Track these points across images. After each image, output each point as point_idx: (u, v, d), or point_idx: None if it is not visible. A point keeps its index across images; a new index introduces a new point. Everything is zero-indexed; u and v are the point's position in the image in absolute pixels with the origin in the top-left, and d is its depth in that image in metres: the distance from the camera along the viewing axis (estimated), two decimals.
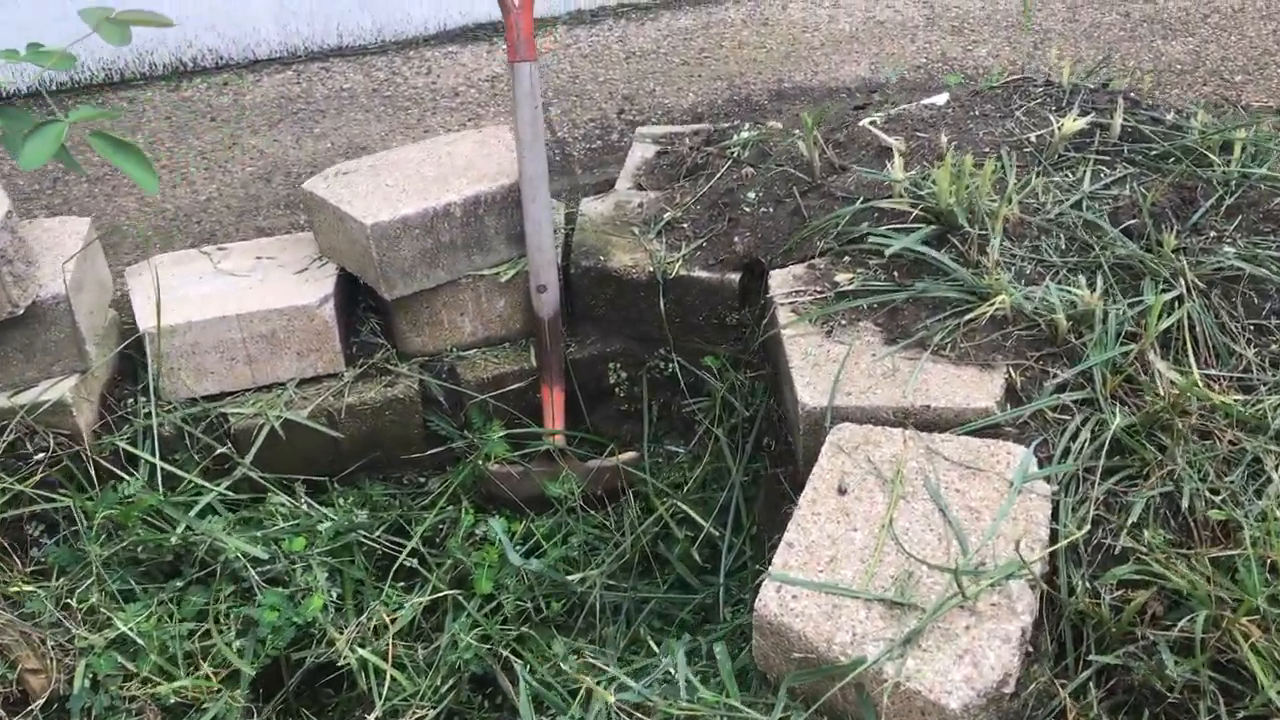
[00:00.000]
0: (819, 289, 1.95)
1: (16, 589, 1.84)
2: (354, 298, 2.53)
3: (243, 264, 2.50)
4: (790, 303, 1.93)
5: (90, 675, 1.73)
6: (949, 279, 1.82)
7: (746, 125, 2.71)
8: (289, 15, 4.02)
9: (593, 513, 2.36)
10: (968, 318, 1.78)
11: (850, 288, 1.91)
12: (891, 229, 1.98)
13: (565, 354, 2.45)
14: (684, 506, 2.25)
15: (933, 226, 1.90)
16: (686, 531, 2.25)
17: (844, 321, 1.87)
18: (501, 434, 2.42)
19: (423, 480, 2.54)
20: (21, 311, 2.06)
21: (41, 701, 1.67)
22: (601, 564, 2.21)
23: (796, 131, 2.58)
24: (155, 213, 3.14)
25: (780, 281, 2.00)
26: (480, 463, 2.39)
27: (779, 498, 2.06)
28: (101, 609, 1.83)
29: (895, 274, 1.91)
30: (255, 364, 2.36)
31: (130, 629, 1.79)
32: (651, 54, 3.84)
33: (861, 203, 2.10)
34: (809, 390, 1.74)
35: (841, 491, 1.58)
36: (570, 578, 2.17)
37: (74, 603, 1.83)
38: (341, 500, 2.39)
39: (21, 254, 2.05)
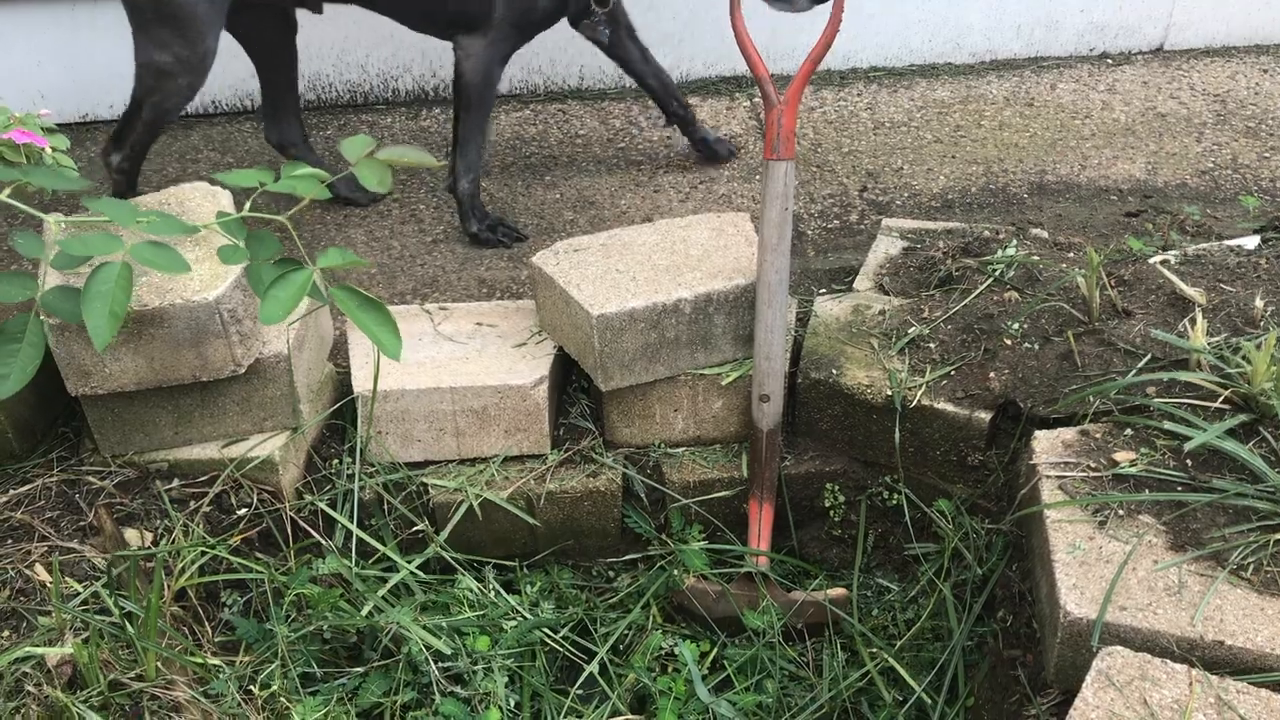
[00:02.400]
0: (1092, 464, 1.70)
1: (201, 661, 1.81)
2: (568, 377, 2.43)
3: (462, 328, 2.44)
4: (1058, 476, 1.68)
5: None
6: (1259, 485, 1.54)
7: (1008, 236, 2.45)
8: (531, 53, 4.00)
9: (790, 648, 2.17)
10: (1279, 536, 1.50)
11: (1131, 471, 1.65)
12: (1185, 404, 1.70)
13: (780, 468, 2.27)
14: (895, 664, 2.02)
15: (1241, 415, 1.62)
16: (895, 694, 2.02)
17: (1121, 512, 1.61)
18: (701, 545, 2.26)
19: (612, 575, 2.41)
20: (243, 370, 2.04)
21: None
22: (797, 714, 2.01)
23: (1071, 255, 2.31)
24: (382, 249, 3.14)
25: (1046, 447, 1.75)
26: (676, 573, 2.24)
27: (1009, 682, 1.81)
28: (281, 697, 1.78)
29: (1188, 463, 1.64)
30: (462, 437, 2.29)
31: None
32: (902, 126, 3.61)
33: (1149, 364, 1.82)
34: (1075, 595, 1.50)
35: None
36: None
37: (256, 689, 1.78)
38: (528, 587, 2.29)
39: (250, 311, 2.03)
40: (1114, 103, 3.66)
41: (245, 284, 2.03)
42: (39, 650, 1.71)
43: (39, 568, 1.95)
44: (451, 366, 2.29)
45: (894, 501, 2.22)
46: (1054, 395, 1.94)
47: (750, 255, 2.27)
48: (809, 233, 3.07)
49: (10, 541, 1.99)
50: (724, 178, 3.41)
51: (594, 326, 2.13)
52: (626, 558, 2.38)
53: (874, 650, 2.10)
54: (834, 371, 2.19)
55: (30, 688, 1.70)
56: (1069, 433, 1.78)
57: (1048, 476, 1.70)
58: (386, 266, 3.05)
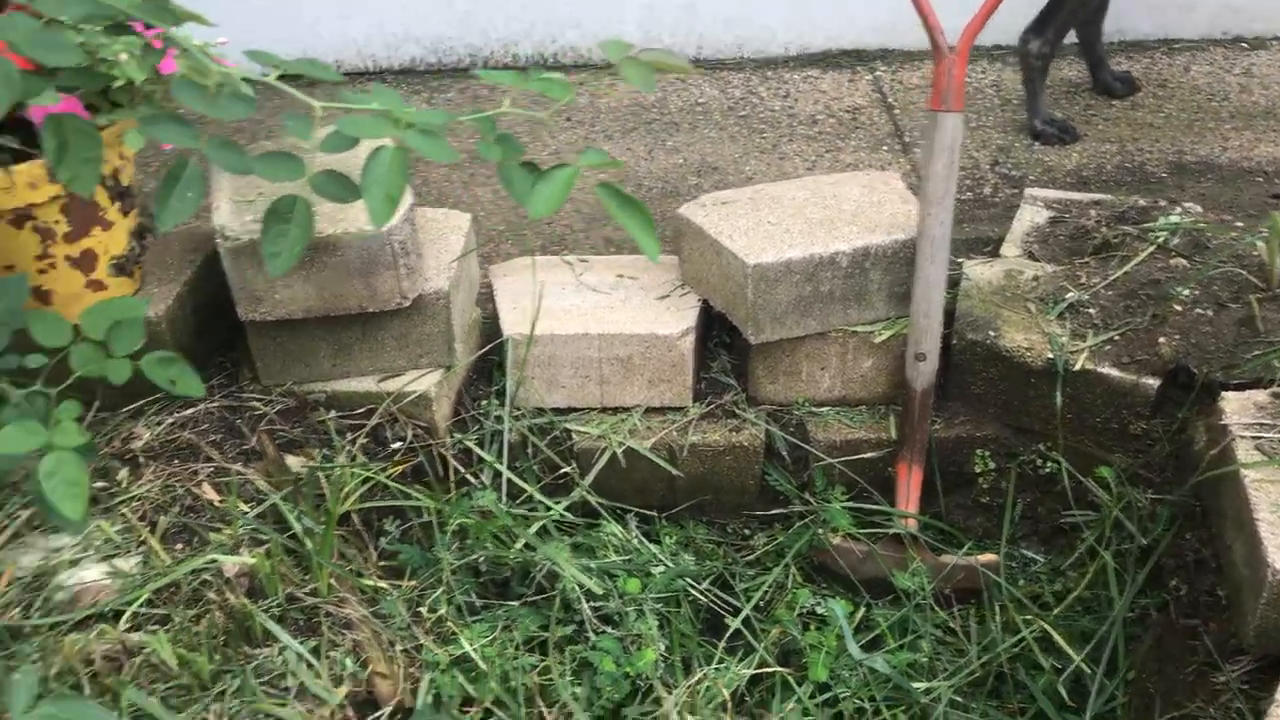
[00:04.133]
0: None
1: (371, 584, 1.83)
2: (709, 332, 2.42)
3: (604, 280, 2.44)
4: (1254, 438, 1.64)
5: (434, 692, 1.68)
6: None
7: (1169, 206, 2.40)
8: (653, 21, 3.99)
9: (940, 612, 2.14)
10: None
11: None
12: None
13: (930, 431, 2.24)
14: (1053, 632, 1.99)
15: None
16: (1053, 662, 1.99)
17: None
18: (846, 504, 2.25)
19: (748, 533, 2.40)
20: (408, 304, 2.06)
21: (389, 710, 1.64)
22: (951, 676, 1.99)
23: (1239, 225, 2.25)
24: (509, 207, 3.15)
25: (1237, 408, 1.71)
26: (820, 532, 2.22)
27: (1183, 652, 1.78)
28: (448, 622, 1.79)
29: None
30: (606, 385, 2.29)
31: (474, 650, 1.73)
32: None
33: None
34: None
35: None
36: (916, 685, 1.96)
37: (424, 610, 1.80)
38: (667, 538, 2.28)
39: (414, 247, 2.05)
40: (1251, 86, 3.57)
41: (411, 218, 2.05)
42: (222, 558, 1.73)
43: (206, 487, 1.98)
44: (597, 315, 2.29)
45: (1046, 469, 2.18)
46: (1233, 361, 1.90)
47: (905, 212, 2.24)
48: None
49: (177, 461, 2.02)
50: (850, 147, 3.38)
51: (748, 276, 2.12)
52: (766, 515, 2.36)
53: (1027, 618, 2.06)
54: (991, 333, 2.16)
55: (211, 594, 1.73)
56: (1260, 394, 1.74)
57: (1241, 437, 1.66)
58: (514, 224, 3.06)
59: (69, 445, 1.17)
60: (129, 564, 1.79)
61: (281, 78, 1.47)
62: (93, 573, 1.76)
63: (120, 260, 1.99)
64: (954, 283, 2.38)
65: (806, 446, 2.30)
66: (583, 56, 4.05)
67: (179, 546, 1.85)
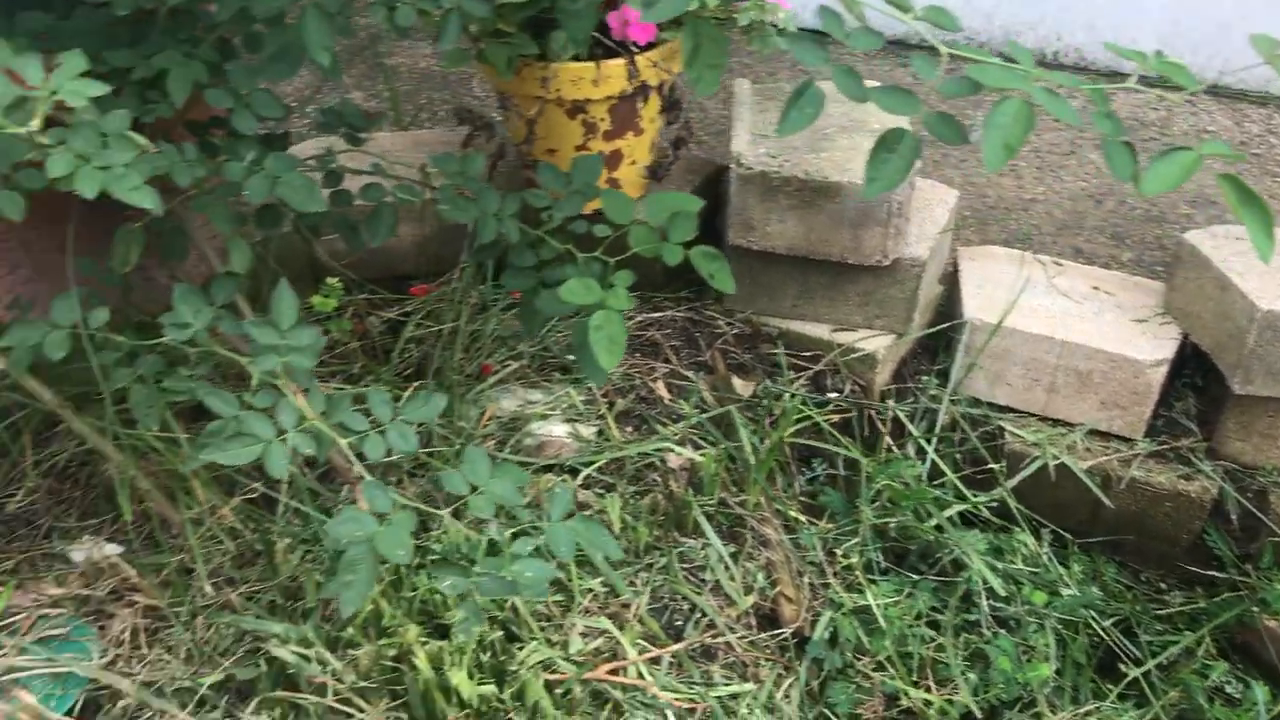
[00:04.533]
0: None
1: (792, 514, 1.92)
2: (1180, 369, 2.27)
3: (1077, 288, 2.35)
4: None
5: (831, 630, 1.75)
6: None
7: None
8: (1177, 37, 3.73)
9: None
10: None
11: None
12: None
13: None
14: None
15: None
16: None
17: None
18: None
19: (1163, 587, 2.25)
20: (887, 263, 2.11)
21: (788, 630, 1.73)
22: None
23: None
24: (976, 195, 3.10)
25: None
26: (1254, 610, 2.05)
27: None
28: (857, 572, 1.85)
29: None
30: (1054, 394, 2.22)
31: (878, 606, 1.78)
32: None
33: None
34: None
35: None
36: None
37: (839, 552, 1.86)
38: (1074, 565, 2.20)
39: (907, 210, 2.09)
40: None
41: (911, 180, 2.08)
42: (672, 448, 1.90)
43: (660, 384, 2.16)
44: (1065, 321, 2.22)
45: None
46: None
47: None
48: None
49: (640, 355, 2.22)
50: None
51: (1254, 320, 1.96)
52: (1189, 572, 2.20)
53: None
54: None
55: (654, 478, 1.90)
56: None
57: None
58: (980, 214, 3.01)
59: (617, 307, 1.33)
60: (587, 431, 2.00)
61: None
62: (558, 430, 1.99)
63: (652, 166, 2.19)
64: None
65: (1263, 517, 2.11)
66: (1085, 60, 3.87)
67: (630, 429, 2.04)
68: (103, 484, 1.80)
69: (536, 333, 1.62)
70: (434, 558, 1.51)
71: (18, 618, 1.59)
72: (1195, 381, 2.26)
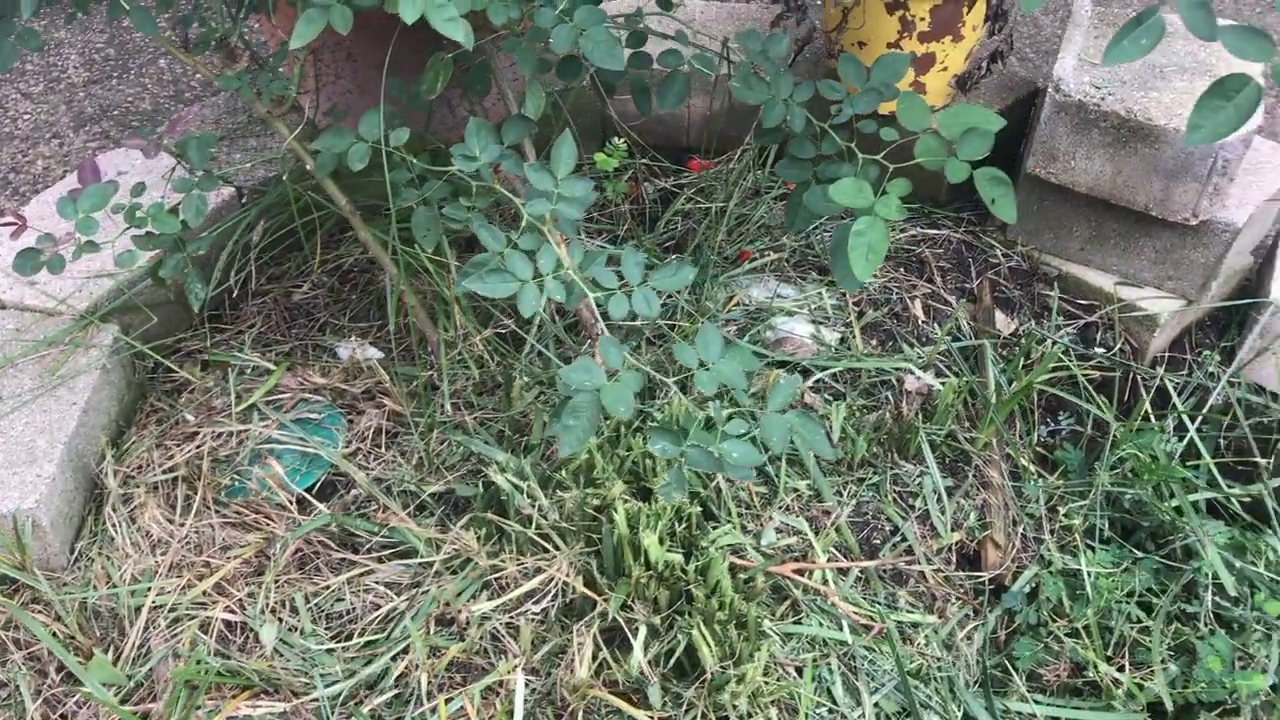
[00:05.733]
0: None
1: (1024, 464, 1.85)
2: None
3: None
4: None
5: (1033, 585, 1.70)
6: None
7: None
8: None
9: None
10: None
11: None
12: None
13: None
14: None
15: None
16: None
17: None
18: None
19: None
20: (1195, 222, 1.94)
21: (988, 575, 1.69)
22: None
23: None
24: None
25: None
26: None
27: None
28: (1075, 534, 1.77)
29: None
30: None
31: (1089, 573, 1.70)
32: None
33: None
34: None
35: None
36: None
37: (1061, 511, 1.79)
38: None
39: (1235, 169, 1.90)
40: None
41: (1249, 139, 1.89)
42: (912, 369, 1.86)
43: (918, 304, 2.10)
44: None
45: None
46: None
47: None
48: None
49: (904, 271, 2.16)
50: None
51: None
52: None
53: None
54: None
55: (885, 396, 1.88)
56: None
57: None
58: None
59: (887, 215, 1.31)
60: (830, 335, 1.99)
61: None
62: (801, 328, 1.99)
63: (962, 77, 2.09)
64: None
65: None
66: None
67: (874, 343, 2.02)
68: (378, 293, 1.97)
69: (801, 228, 1.61)
70: (653, 424, 1.57)
71: (283, 396, 1.79)
72: None
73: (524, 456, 1.61)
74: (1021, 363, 1.97)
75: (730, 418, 1.17)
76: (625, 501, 1.46)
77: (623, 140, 2.16)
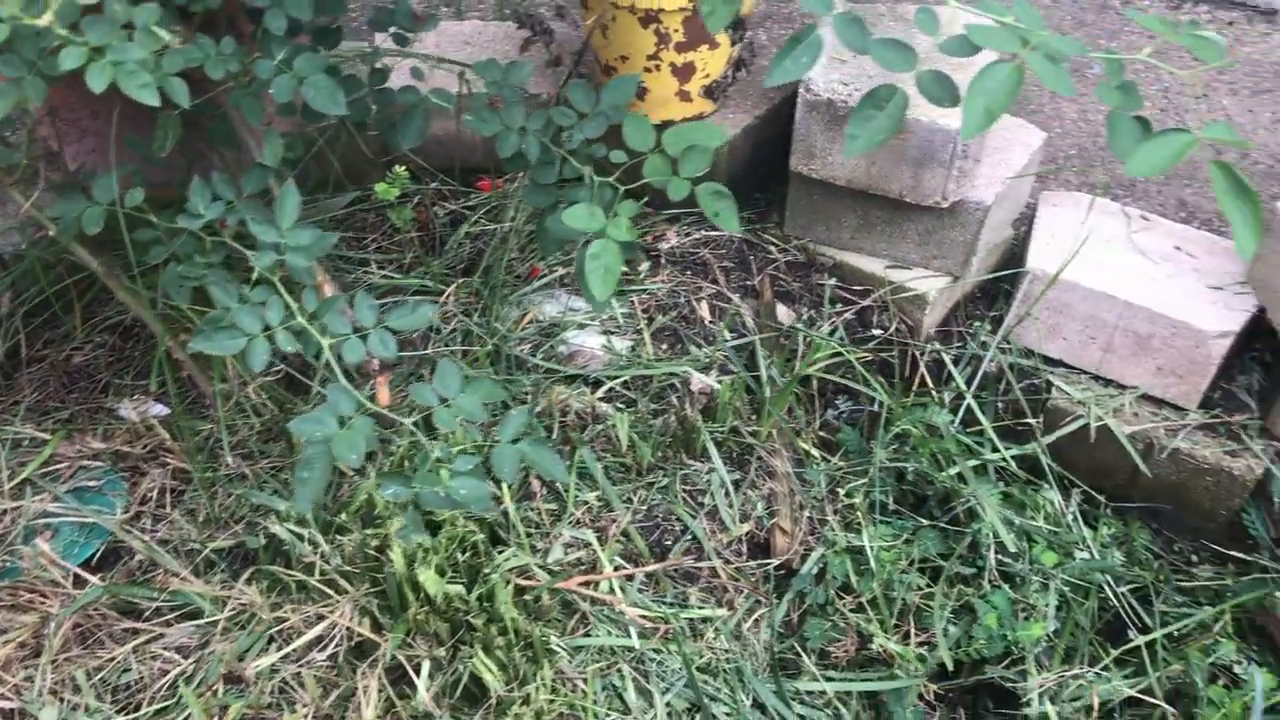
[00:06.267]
0: None
1: (805, 447, 1.94)
2: (1249, 342, 2.16)
3: (1158, 246, 2.25)
4: None
5: (820, 566, 1.78)
6: None
7: None
8: None
9: None
10: None
11: None
12: None
13: None
14: None
15: None
16: None
17: None
18: None
19: (1194, 559, 2.20)
20: (946, 205, 2.05)
21: (777, 562, 1.76)
22: None
23: None
24: (1089, 133, 2.96)
25: None
26: (1277, 595, 1.99)
27: None
28: (858, 512, 1.87)
29: None
30: (1109, 354, 2.15)
31: (871, 549, 1.80)
32: None
33: None
34: None
35: None
36: None
37: (842, 493, 1.88)
38: (1104, 528, 2.16)
39: (976, 150, 2.02)
40: None
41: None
42: (692, 372, 1.92)
43: (704, 305, 2.17)
44: (1134, 281, 2.13)
45: None
46: None
47: None
48: None
49: (689, 274, 2.23)
50: None
51: None
52: (1220, 551, 2.14)
53: None
54: None
55: (672, 399, 1.94)
56: None
57: None
58: (1086, 152, 2.87)
59: (618, 237, 1.35)
60: (622, 344, 2.04)
61: None
62: (592, 340, 2.03)
63: (712, 84, 2.16)
64: None
65: None
66: None
67: (664, 347, 2.08)
68: (163, 347, 1.93)
69: (553, 252, 1.65)
70: (382, 467, 1.58)
71: (60, 466, 1.75)
72: (1264, 357, 2.16)
73: None
74: (800, 352, 2.06)
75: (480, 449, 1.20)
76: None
77: (404, 169, 2.17)
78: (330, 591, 1.49)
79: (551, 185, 1.57)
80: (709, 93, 2.17)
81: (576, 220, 1.36)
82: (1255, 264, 2.13)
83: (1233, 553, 2.14)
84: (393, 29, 1.67)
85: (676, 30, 2.08)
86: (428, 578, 1.38)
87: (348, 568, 1.49)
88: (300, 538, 1.50)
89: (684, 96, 2.19)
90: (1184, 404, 2.13)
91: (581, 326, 2.08)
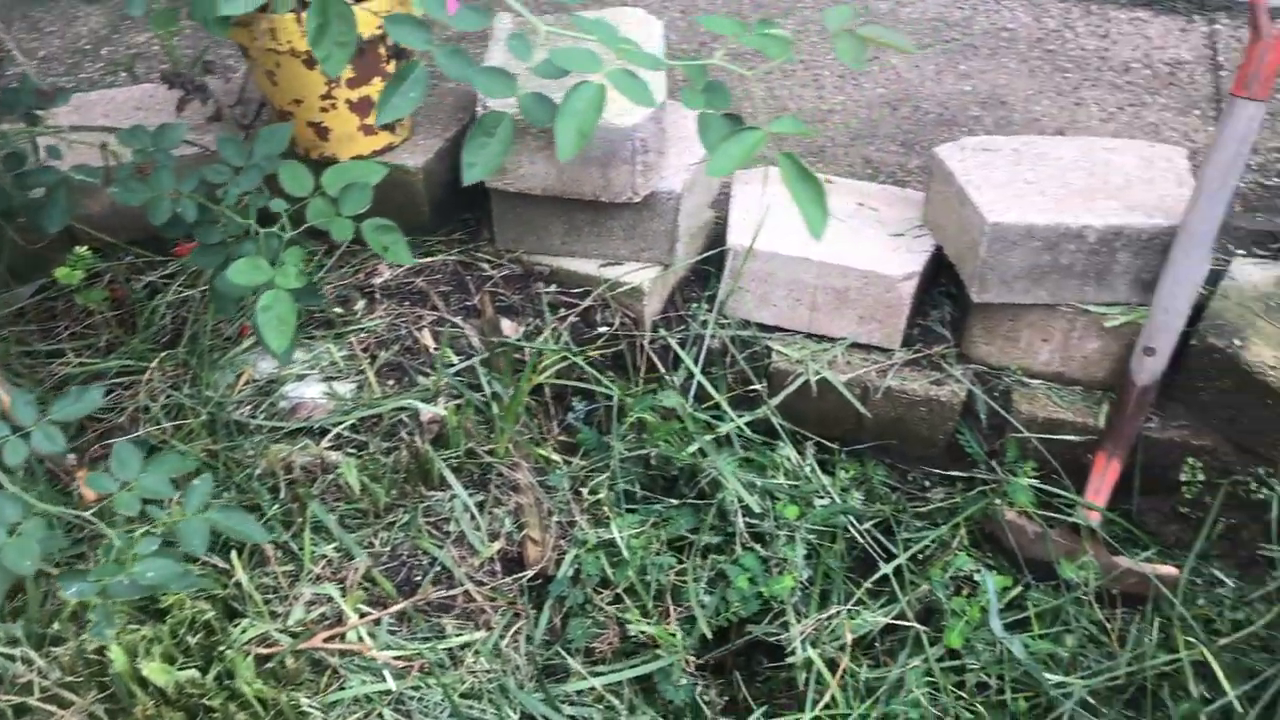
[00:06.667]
0: None
1: (545, 455, 1.97)
2: (935, 278, 2.35)
3: (843, 205, 2.41)
4: None
5: (575, 568, 1.81)
6: None
7: None
8: None
9: (1098, 609, 2.07)
10: None
11: None
12: None
13: (1141, 428, 2.11)
14: (1212, 661, 1.88)
15: None
16: (1203, 691, 1.89)
17: None
18: (1031, 482, 2.17)
19: (927, 485, 2.37)
20: (638, 199, 2.13)
21: (531, 573, 1.79)
22: (1090, 676, 1.93)
23: None
24: (777, 109, 3.13)
25: None
26: (997, 502, 2.17)
27: None
28: (605, 506, 1.91)
29: None
30: (816, 312, 2.29)
31: (622, 539, 1.84)
32: None
33: None
34: None
35: None
36: (1049, 676, 1.92)
37: (585, 492, 1.92)
38: (842, 473, 2.30)
39: (657, 144, 2.10)
40: None
41: (659, 116, 2.09)
42: (418, 404, 1.92)
43: (426, 333, 2.17)
44: (824, 241, 2.27)
45: (1260, 495, 2.02)
46: None
47: (1178, 195, 2.07)
48: (1240, 185, 2.74)
49: (407, 304, 2.22)
50: (1156, 105, 3.10)
51: (985, 234, 2.04)
52: (946, 473, 2.32)
53: (1190, 640, 1.96)
54: (1236, 342, 1.99)
55: (403, 434, 1.93)
56: None
57: None
58: None
59: (287, 286, 1.34)
60: (345, 388, 2.02)
61: None
62: (313, 390, 2.00)
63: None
64: (1214, 279, 2.19)
65: (1006, 415, 2.22)
66: None
67: (391, 383, 2.06)
68: None
69: (230, 312, 1.61)
70: (63, 568, 1.52)
71: None
72: (951, 290, 2.35)
73: (16, 620, 1.51)
74: (534, 363, 2.09)
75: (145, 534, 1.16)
76: (127, 632, 1.41)
77: (86, 249, 2.06)
78: (54, 708, 1.40)
79: (218, 245, 1.53)
80: (386, 124, 2.17)
81: (240, 276, 1.34)
82: (927, 207, 2.32)
83: (955, 472, 2.32)
84: (22, 109, 1.59)
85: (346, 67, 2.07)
86: (154, 669, 1.33)
87: (70, 678, 1.41)
88: (11, 658, 1.41)
89: (368, 130, 2.18)
90: (888, 345, 2.29)
91: (300, 378, 2.04)
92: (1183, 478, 2.13)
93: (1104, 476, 2.11)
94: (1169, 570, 2.07)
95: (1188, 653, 1.94)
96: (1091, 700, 1.95)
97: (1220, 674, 1.88)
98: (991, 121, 3.04)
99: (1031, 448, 2.21)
